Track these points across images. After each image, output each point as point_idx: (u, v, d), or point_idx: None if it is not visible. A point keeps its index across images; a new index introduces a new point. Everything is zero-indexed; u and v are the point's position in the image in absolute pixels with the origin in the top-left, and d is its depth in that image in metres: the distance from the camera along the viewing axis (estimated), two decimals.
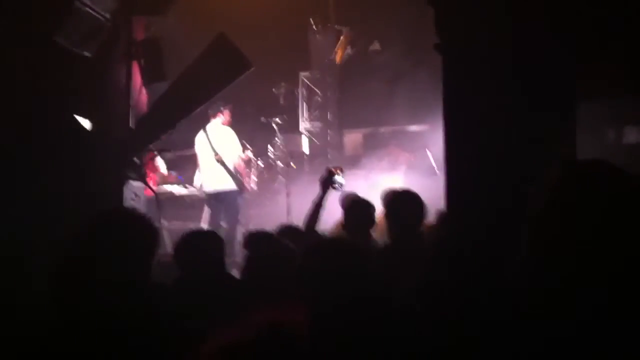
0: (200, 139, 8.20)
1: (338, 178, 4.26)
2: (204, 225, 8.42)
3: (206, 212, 8.79)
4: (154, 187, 7.16)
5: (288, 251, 2.84)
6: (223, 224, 7.93)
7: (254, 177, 9.52)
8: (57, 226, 4.09)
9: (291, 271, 2.35)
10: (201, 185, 8.52)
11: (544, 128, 3.15)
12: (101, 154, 4.84)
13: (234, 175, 8.01)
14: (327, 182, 4.21)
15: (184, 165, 9.64)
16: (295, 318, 1.55)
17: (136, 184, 5.41)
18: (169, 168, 9.38)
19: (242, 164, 8.36)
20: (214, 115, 8.12)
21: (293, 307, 1.64)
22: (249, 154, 8.88)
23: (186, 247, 3.28)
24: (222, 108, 8.12)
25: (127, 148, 5.09)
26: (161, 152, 5.89)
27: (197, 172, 9.51)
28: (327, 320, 1.83)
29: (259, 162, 9.78)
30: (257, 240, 3.44)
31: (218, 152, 7.97)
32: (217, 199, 8.07)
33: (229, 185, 7.99)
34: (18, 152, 4.38)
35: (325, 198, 4.11)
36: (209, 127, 8.14)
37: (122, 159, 5.06)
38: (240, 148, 8.33)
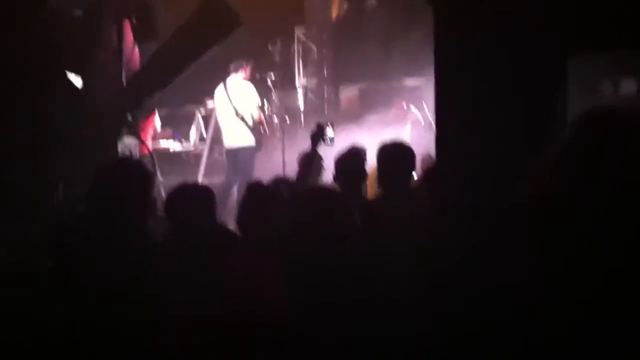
0: (219, 93, 8.20)
1: (328, 132, 4.27)
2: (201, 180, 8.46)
3: (203, 167, 8.81)
4: (149, 144, 7.17)
5: (279, 201, 2.87)
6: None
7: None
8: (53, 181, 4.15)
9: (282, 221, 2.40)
10: (196, 141, 8.54)
11: (534, 79, 3.15)
12: (94, 111, 4.83)
13: (254, 131, 8.02)
14: (318, 137, 4.22)
15: (180, 122, 9.63)
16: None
17: (130, 141, 5.42)
18: (164, 125, 9.36)
19: (263, 120, 8.40)
20: (236, 71, 8.10)
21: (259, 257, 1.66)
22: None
23: (176, 201, 3.29)
24: (244, 64, 8.12)
25: (119, 105, 5.08)
26: (155, 109, 5.88)
27: (192, 128, 9.50)
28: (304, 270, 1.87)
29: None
30: (250, 190, 3.46)
31: (238, 108, 7.97)
32: (235, 155, 8.10)
33: (248, 141, 8.03)
34: (13, 108, 4.40)
35: (315, 152, 4.13)
36: (229, 81, 8.13)
37: (115, 116, 5.05)
38: (260, 102, 8.35)
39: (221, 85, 8.20)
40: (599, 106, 1.70)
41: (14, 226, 3.72)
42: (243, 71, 8.19)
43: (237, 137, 8.07)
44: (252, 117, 8.04)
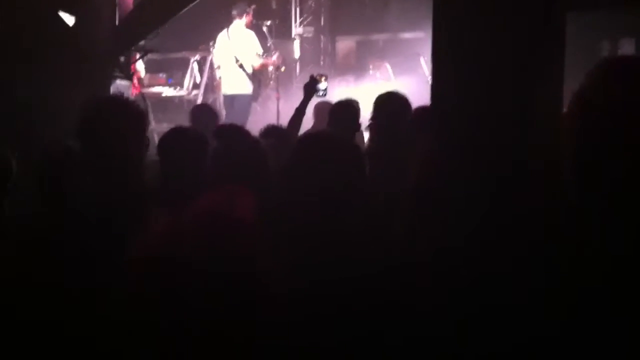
0: (221, 40, 8.16)
1: (321, 85, 4.27)
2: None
3: None
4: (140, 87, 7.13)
5: (253, 143, 2.87)
6: None
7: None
8: (45, 120, 4.12)
9: (257, 164, 2.38)
10: (190, 87, 8.50)
11: (530, 35, 3.11)
12: (86, 51, 4.76)
13: (252, 80, 8.01)
14: (310, 89, 4.22)
15: (174, 68, 9.53)
16: (243, 204, 1.54)
17: (123, 83, 5.37)
18: (158, 70, 9.27)
19: (261, 68, 8.37)
20: (239, 16, 8.00)
21: (242, 194, 1.62)
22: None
23: (170, 143, 3.28)
24: (247, 9, 8.04)
25: (112, 47, 5.01)
26: (148, 53, 5.80)
27: (187, 75, 9.42)
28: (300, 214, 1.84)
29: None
30: (223, 132, 3.44)
31: (238, 55, 7.92)
32: (231, 102, 8.10)
33: (245, 89, 8.00)
34: (6, 46, 4.36)
35: (307, 104, 4.14)
36: (231, 28, 8.05)
37: (107, 57, 4.98)
38: (261, 51, 8.28)
39: (224, 31, 8.11)
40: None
41: None
42: (245, 17, 8.07)
43: (234, 84, 8.05)
44: (251, 66, 7.98)
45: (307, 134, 2.32)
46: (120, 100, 2.52)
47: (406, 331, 1.72)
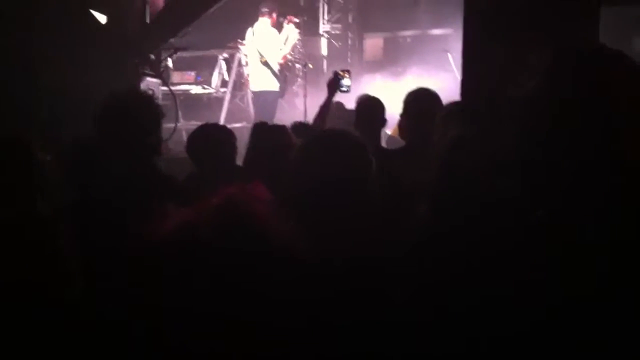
0: (248, 37, 8.34)
1: (345, 81, 4.27)
2: None
3: (224, 112, 8.81)
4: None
5: (287, 141, 2.88)
6: None
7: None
8: (75, 116, 4.18)
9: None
10: (218, 85, 8.61)
11: (565, 30, 3.07)
12: (117, 49, 4.82)
13: (278, 76, 8.12)
14: (334, 85, 4.22)
15: (203, 65, 9.58)
16: (260, 196, 1.54)
17: (152, 80, 5.41)
18: (187, 68, 9.33)
19: (287, 64, 8.59)
20: (264, 15, 8.11)
21: (258, 188, 1.63)
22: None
23: (199, 140, 3.31)
24: (271, 9, 8.22)
25: (142, 44, 5.06)
26: (178, 51, 5.86)
27: (215, 73, 9.46)
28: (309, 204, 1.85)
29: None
30: (259, 130, 3.46)
31: (263, 53, 8.03)
32: (258, 98, 8.26)
33: (271, 86, 8.12)
34: (38, 44, 4.42)
35: (331, 100, 4.15)
36: (256, 26, 8.20)
37: (137, 54, 5.03)
38: (287, 49, 8.43)
39: (250, 29, 8.24)
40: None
41: None
42: (269, 16, 8.16)
43: (260, 81, 8.17)
44: (277, 62, 8.05)
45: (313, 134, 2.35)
46: (135, 93, 2.57)
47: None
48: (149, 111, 2.49)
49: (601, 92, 1.36)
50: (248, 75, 8.73)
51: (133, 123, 2.43)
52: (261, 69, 8.11)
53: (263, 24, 8.17)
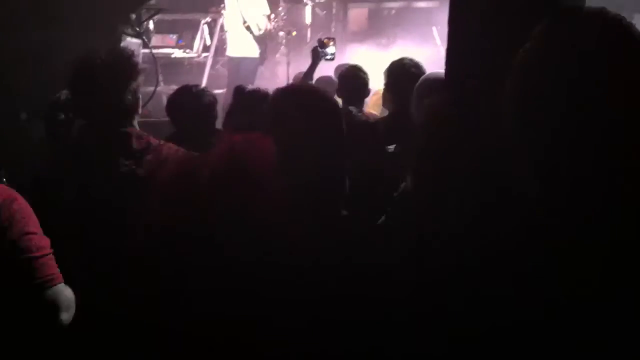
0: (230, 2, 8.10)
1: (329, 49, 4.26)
2: None
3: (206, 77, 8.71)
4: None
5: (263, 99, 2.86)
6: None
7: None
8: (55, 78, 4.12)
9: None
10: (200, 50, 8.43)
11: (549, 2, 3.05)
12: (97, 8, 4.71)
13: (260, 43, 7.97)
14: (318, 53, 4.22)
15: (185, 29, 9.45)
16: (263, 147, 1.51)
17: (133, 41, 5.31)
18: (168, 31, 9.19)
19: (270, 31, 8.39)
20: None
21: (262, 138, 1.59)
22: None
23: (179, 101, 3.27)
24: None
25: (123, 5, 4.95)
26: (159, 12, 5.73)
27: (197, 37, 9.34)
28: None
29: None
30: (239, 93, 3.43)
31: (246, 17, 7.87)
32: (237, 65, 8.04)
33: (251, 52, 7.97)
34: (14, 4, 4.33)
35: (315, 68, 4.14)
36: None
37: (118, 14, 4.93)
38: (269, 14, 8.26)
39: None
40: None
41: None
42: None
43: (241, 47, 8.00)
44: (259, 28, 7.92)
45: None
46: (113, 52, 2.50)
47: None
48: (125, 68, 2.43)
49: (599, 55, 1.33)
50: (227, 40, 8.50)
51: (108, 80, 2.37)
52: (243, 34, 7.93)
53: None
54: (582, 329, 1.32)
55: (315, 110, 1.89)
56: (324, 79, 4.96)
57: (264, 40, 8.12)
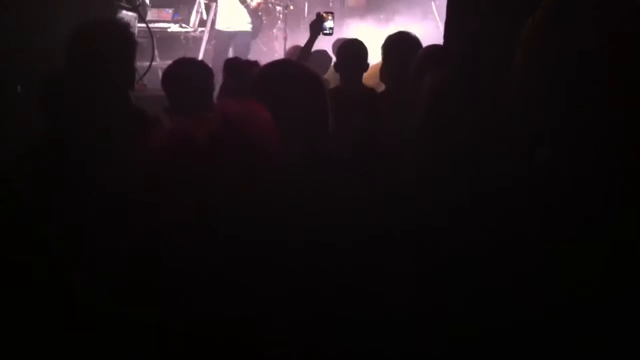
0: None
1: (327, 23, 4.21)
2: None
3: (203, 51, 8.62)
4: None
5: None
6: None
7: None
8: (49, 50, 4.07)
9: None
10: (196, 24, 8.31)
11: None
12: None
13: (254, 16, 7.84)
14: (317, 27, 4.17)
15: (181, 3, 9.36)
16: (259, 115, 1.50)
17: (128, 14, 5.25)
18: (165, 5, 9.10)
19: (266, 3, 8.22)
20: None
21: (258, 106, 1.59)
22: None
23: (174, 75, 3.23)
24: None
25: None
26: None
27: (193, 11, 9.24)
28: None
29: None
30: (231, 66, 3.40)
31: None
32: (229, 39, 7.89)
33: (246, 26, 7.83)
34: None
35: (313, 43, 4.10)
36: None
37: None
38: None
39: None
40: None
41: None
42: None
43: (233, 20, 7.83)
44: (252, 1, 7.82)
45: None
46: (108, 23, 2.46)
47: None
48: (121, 40, 2.39)
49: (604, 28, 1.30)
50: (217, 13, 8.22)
51: (103, 52, 2.33)
52: (235, 6, 7.77)
53: None
54: (582, 329, 1.31)
55: (297, 80, 1.92)
56: (319, 53, 4.91)
57: (258, 14, 7.98)
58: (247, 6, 7.79)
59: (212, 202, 1.31)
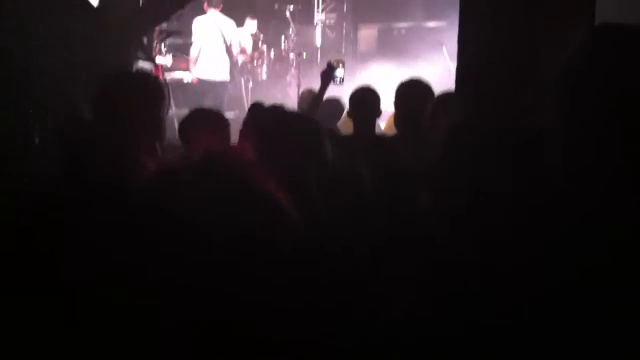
0: (206, 25, 8.01)
1: (338, 72, 4.22)
2: None
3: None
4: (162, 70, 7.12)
5: None
6: None
7: (264, 66, 9.44)
8: (68, 97, 4.14)
9: None
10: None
11: (560, 12, 3.06)
12: (109, 30, 4.76)
13: (234, 64, 8.04)
14: (328, 76, 4.18)
15: None
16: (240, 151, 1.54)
17: (144, 65, 5.36)
18: (179, 54, 9.26)
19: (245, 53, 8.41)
20: (217, 6, 7.97)
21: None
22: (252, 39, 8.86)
23: (191, 124, 3.27)
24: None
25: (135, 26, 4.99)
26: (171, 34, 5.79)
27: None
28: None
29: (271, 54, 9.64)
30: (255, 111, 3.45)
31: (227, 40, 7.90)
32: (208, 87, 7.99)
33: (225, 75, 7.99)
34: (29, 23, 4.37)
35: (324, 92, 4.12)
36: (212, 14, 7.98)
37: (130, 37, 4.97)
38: (242, 36, 8.33)
39: (204, 18, 8.02)
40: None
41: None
42: (220, 5, 8.04)
43: (215, 69, 7.97)
44: (240, 49, 8.00)
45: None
46: (137, 75, 2.48)
47: None
48: (152, 92, 2.39)
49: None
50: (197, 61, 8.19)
51: (131, 105, 2.34)
52: (219, 56, 7.92)
53: (216, 13, 8.01)
54: (582, 328, 1.31)
55: (286, 126, 1.99)
56: (330, 101, 4.95)
57: (236, 64, 8.19)
58: (231, 55, 7.93)
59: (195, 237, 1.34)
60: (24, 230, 1.98)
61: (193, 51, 8.04)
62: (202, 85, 8.05)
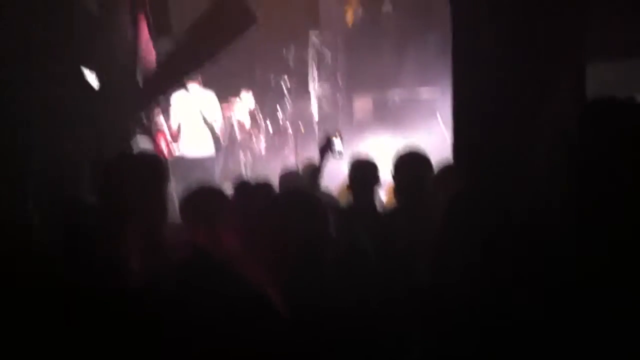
0: (184, 101, 7.97)
1: (337, 146, 4.25)
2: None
3: (217, 174, 8.74)
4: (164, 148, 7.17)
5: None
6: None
7: (262, 140, 9.50)
8: (62, 178, 4.13)
9: None
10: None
11: (553, 87, 3.11)
12: (108, 109, 4.81)
13: (218, 139, 8.00)
14: (326, 149, 4.21)
15: None
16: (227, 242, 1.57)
17: (143, 142, 5.39)
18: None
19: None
20: (196, 80, 7.85)
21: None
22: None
23: (191, 203, 3.22)
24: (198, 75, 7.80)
25: (134, 104, 5.05)
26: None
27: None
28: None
29: (269, 127, 9.74)
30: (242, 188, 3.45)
31: (207, 116, 7.88)
32: (197, 163, 7.93)
33: (210, 150, 7.98)
34: (28, 100, 4.42)
35: (323, 165, 4.14)
36: (191, 88, 7.90)
37: (129, 115, 5.02)
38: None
39: (182, 93, 7.91)
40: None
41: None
42: (199, 80, 7.94)
43: (199, 145, 7.95)
44: (216, 127, 8.00)
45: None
46: (140, 157, 2.48)
47: None
48: (155, 174, 2.38)
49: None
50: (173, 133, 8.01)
51: (137, 189, 2.31)
52: (201, 132, 7.89)
53: (196, 87, 7.95)
54: (582, 328, 1.33)
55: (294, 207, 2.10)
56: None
57: (218, 141, 8.09)
58: (211, 127, 7.90)
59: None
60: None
61: (173, 126, 7.91)
62: (192, 162, 7.95)
